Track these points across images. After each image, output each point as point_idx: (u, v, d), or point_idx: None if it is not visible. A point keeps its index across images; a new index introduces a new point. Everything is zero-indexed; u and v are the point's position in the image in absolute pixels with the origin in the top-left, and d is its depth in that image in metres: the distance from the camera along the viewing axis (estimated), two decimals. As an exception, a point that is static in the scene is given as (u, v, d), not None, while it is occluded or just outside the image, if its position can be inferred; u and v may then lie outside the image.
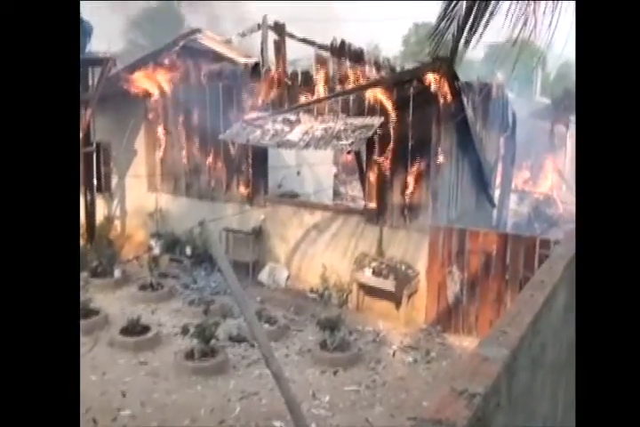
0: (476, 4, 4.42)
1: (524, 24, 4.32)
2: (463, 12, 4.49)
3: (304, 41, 11.86)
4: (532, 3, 4.28)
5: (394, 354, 8.56)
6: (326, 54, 10.51)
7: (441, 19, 4.58)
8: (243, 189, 11.52)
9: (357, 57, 10.22)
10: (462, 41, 4.61)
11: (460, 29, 4.52)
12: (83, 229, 12.19)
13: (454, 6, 4.48)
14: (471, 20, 4.46)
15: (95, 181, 12.60)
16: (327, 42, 10.55)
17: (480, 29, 4.49)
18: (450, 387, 2.91)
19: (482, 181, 11.98)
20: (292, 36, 11.68)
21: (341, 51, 10.23)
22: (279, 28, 11.48)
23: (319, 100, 10.33)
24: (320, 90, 10.40)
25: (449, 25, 4.56)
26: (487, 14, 4.44)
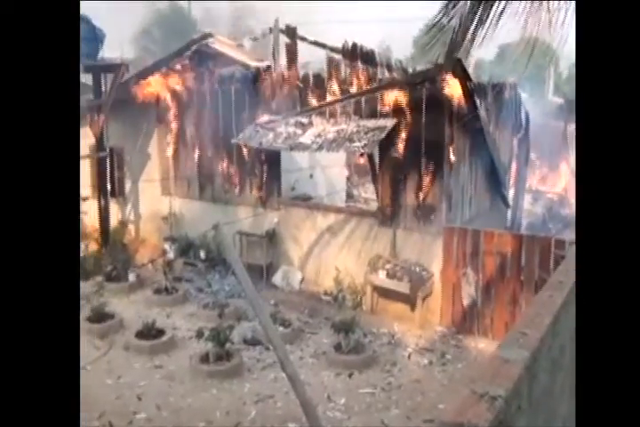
0: (480, 3, 4.39)
1: (537, 23, 4.29)
2: (466, 10, 4.45)
3: (316, 44, 11.86)
4: (544, 2, 4.24)
5: (409, 356, 8.52)
6: (338, 57, 10.51)
7: (441, 15, 4.55)
8: (256, 193, 11.53)
9: (369, 59, 10.20)
10: (467, 38, 4.57)
11: (464, 27, 4.48)
12: (97, 234, 12.28)
13: (455, 4, 4.45)
14: (476, 17, 4.42)
15: (109, 186, 12.67)
16: (338, 44, 10.54)
17: (485, 27, 4.45)
18: (470, 390, 2.89)
19: (496, 182, 11.91)
20: (303, 38, 11.70)
21: (353, 53, 10.22)
22: (290, 32, 11.51)
23: (331, 103, 10.32)
24: (332, 92, 10.39)
25: (448, 21, 4.53)
26: (493, 11, 4.40)
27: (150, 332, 8.71)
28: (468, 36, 4.54)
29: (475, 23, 4.44)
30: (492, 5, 4.39)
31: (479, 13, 4.40)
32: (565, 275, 4.98)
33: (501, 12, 4.41)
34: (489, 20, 4.41)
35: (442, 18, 4.57)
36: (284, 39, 11.64)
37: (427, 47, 4.91)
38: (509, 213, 13.01)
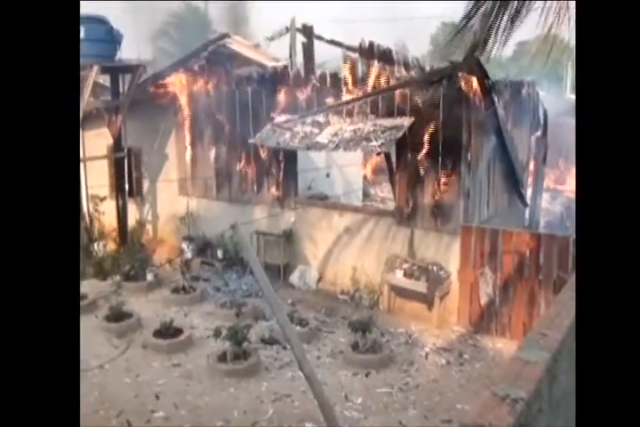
0: (503, 4, 4.36)
1: (556, 20, 4.25)
2: (490, 11, 4.43)
3: (332, 42, 11.86)
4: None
5: (426, 356, 8.49)
6: (354, 55, 10.48)
7: (467, 17, 4.52)
8: (273, 192, 11.56)
9: (386, 57, 10.16)
10: (491, 39, 4.54)
11: (488, 28, 4.46)
12: (115, 234, 12.38)
13: (479, 5, 4.43)
14: (501, 17, 4.39)
15: (127, 186, 12.76)
16: (355, 43, 10.52)
17: (509, 27, 4.43)
18: (491, 392, 2.87)
19: (513, 181, 11.82)
20: (320, 37, 11.69)
21: (370, 51, 10.19)
22: (307, 31, 11.52)
23: (348, 102, 10.30)
24: (349, 91, 10.37)
25: (474, 23, 4.51)
26: (515, 12, 4.37)
27: (168, 331, 8.75)
28: (491, 36, 4.51)
29: (497, 23, 4.41)
30: (512, 5, 4.37)
31: (501, 13, 4.37)
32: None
33: (521, 11, 4.38)
34: (510, 20, 4.38)
35: (467, 21, 4.54)
36: (300, 38, 11.66)
37: (450, 49, 4.90)
38: (527, 211, 12.91)
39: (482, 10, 4.45)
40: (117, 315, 9.23)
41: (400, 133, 9.55)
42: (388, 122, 9.88)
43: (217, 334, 8.09)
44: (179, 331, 8.84)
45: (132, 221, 12.87)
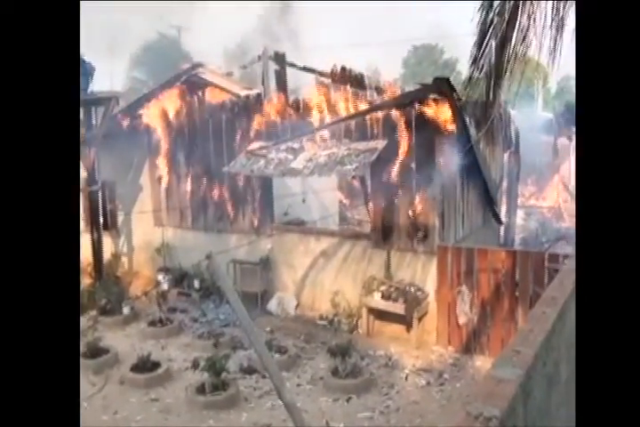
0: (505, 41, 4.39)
1: (524, 40, 4.34)
2: (493, 54, 4.46)
3: (305, 69, 11.97)
4: (538, 21, 4.29)
5: (406, 378, 8.43)
6: (327, 81, 10.57)
7: (474, 63, 4.54)
8: (249, 220, 11.54)
9: (358, 82, 10.26)
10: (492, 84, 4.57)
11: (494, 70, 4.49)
12: (90, 268, 12.23)
13: (485, 47, 4.45)
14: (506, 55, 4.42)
15: (101, 219, 12.67)
16: (328, 68, 10.62)
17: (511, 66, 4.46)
18: (465, 411, 2.85)
19: (487, 199, 11.93)
20: (292, 64, 11.82)
21: (342, 77, 10.28)
22: (279, 58, 11.65)
23: (321, 128, 10.37)
24: (322, 117, 10.44)
25: (482, 68, 4.53)
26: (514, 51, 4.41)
27: (146, 365, 8.61)
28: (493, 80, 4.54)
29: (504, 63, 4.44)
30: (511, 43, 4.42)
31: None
32: (558, 290, 4.94)
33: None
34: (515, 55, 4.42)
35: (473, 72, 4.58)
36: (273, 66, 11.79)
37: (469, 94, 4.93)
38: (502, 229, 13.01)
39: (487, 51, 4.49)
40: (94, 351, 9.06)
41: (374, 156, 9.62)
42: (361, 145, 9.97)
43: (195, 365, 7.98)
44: (156, 365, 8.70)
45: (107, 254, 12.75)
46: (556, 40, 4.21)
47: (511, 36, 4.31)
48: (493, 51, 4.39)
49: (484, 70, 4.49)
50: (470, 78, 4.57)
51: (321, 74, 11.02)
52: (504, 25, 4.27)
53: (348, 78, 10.28)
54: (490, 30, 4.32)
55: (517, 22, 4.27)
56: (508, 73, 4.46)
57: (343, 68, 10.31)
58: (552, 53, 4.22)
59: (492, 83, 4.52)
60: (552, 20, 4.21)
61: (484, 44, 4.39)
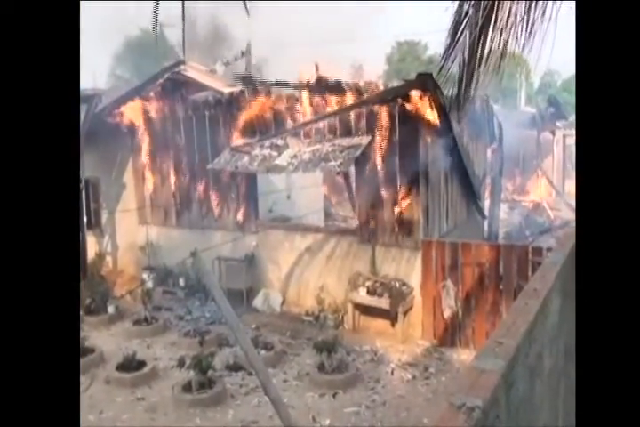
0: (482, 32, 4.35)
1: (502, 33, 4.32)
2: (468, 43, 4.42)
3: (278, 84, 11.27)
4: (519, 16, 4.27)
5: (392, 372, 8.46)
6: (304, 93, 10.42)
7: (447, 52, 4.51)
8: (233, 217, 11.52)
9: (337, 89, 10.10)
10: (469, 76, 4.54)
11: (467, 62, 4.46)
12: (75, 267, 12.14)
13: (458, 37, 4.42)
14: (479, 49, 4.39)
15: (85, 218, 12.58)
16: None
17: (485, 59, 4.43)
18: (448, 402, 2.87)
19: (471, 194, 11.99)
20: (263, 82, 11.40)
21: (319, 87, 10.14)
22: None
23: (305, 124, 10.36)
24: (306, 113, 10.43)
25: (454, 58, 4.50)
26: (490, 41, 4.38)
27: (131, 364, 8.56)
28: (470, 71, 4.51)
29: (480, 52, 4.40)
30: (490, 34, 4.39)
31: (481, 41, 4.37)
32: (540, 282, 4.98)
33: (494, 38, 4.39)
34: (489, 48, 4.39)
35: (449, 53, 4.54)
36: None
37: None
38: (486, 223, 13.09)
39: (461, 39, 4.46)
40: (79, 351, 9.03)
41: (358, 152, 9.64)
42: (345, 141, 9.97)
43: (181, 363, 7.96)
44: (142, 363, 8.66)
45: (91, 253, 12.66)
46: (534, 34, 4.20)
47: (487, 28, 4.29)
48: (467, 41, 4.38)
49: (456, 61, 4.48)
50: (441, 68, 4.56)
51: (296, 87, 10.78)
52: (480, 16, 4.26)
53: (325, 88, 10.15)
54: (464, 21, 4.31)
55: (495, 14, 4.25)
56: (482, 64, 4.45)
57: (319, 79, 10.19)
58: (533, 47, 4.22)
59: (465, 74, 4.50)
60: (532, 13, 4.20)
61: (458, 34, 4.37)
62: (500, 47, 4.32)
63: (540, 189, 17.49)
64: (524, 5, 4.20)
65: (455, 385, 4.41)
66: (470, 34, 4.31)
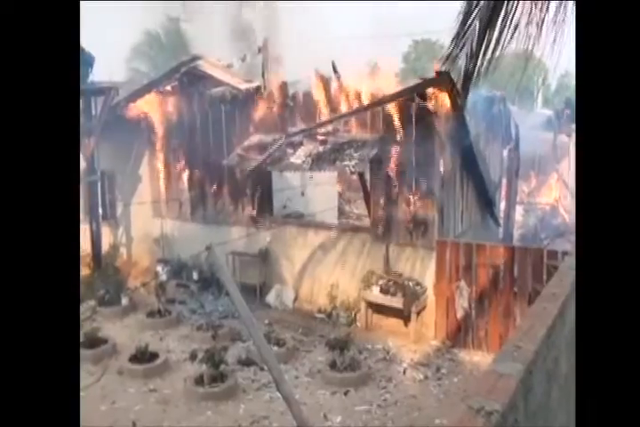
0: (489, 23, 4.36)
1: (527, 37, 4.32)
2: (477, 32, 4.43)
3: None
4: (534, 15, 4.26)
5: (404, 372, 8.46)
6: (326, 75, 10.49)
7: (455, 40, 4.52)
8: (248, 212, 11.53)
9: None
10: (477, 64, 4.55)
11: (475, 52, 4.47)
12: (89, 258, 12.22)
13: (468, 26, 4.43)
14: (485, 40, 4.40)
15: (100, 210, 12.65)
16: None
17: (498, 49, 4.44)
18: (467, 405, 2.87)
19: (486, 196, 11.93)
20: None
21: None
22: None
23: (322, 124, 10.32)
24: (322, 111, 10.41)
25: (462, 46, 4.51)
26: (499, 32, 4.38)
27: (144, 355, 8.63)
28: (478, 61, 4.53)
29: (483, 46, 4.42)
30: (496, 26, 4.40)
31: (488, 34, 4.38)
32: (558, 286, 4.97)
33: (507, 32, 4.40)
34: (496, 41, 4.40)
35: (456, 45, 4.56)
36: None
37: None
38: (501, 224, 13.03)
39: (469, 32, 4.47)
40: (92, 341, 9.07)
41: (373, 152, 9.61)
42: (361, 140, 9.94)
43: (193, 357, 8.00)
44: (154, 355, 8.72)
45: (105, 244, 12.73)
46: (556, 34, 4.19)
47: (496, 21, 4.31)
48: (477, 31, 4.39)
49: (464, 49, 4.49)
50: (449, 55, 4.58)
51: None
52: (489, 9, 4.27)
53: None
54: (475, 11, 4.32)
55: (504, 9, 4.26)
56: (489, 56, 4.45)
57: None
58: (551, 48, 4.21)
59: (471, 62, 4.52)
60: (541, 12, 4.19)
61: (468, 23, 4.39)
62: (507, 41, 4.34)
63: (556, 191, 17.39)
64: (543, 6, 4.20)
65: (472, 388, 4.40)
66: (480, 24, 4.33)
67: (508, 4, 4.24)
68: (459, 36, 4.46)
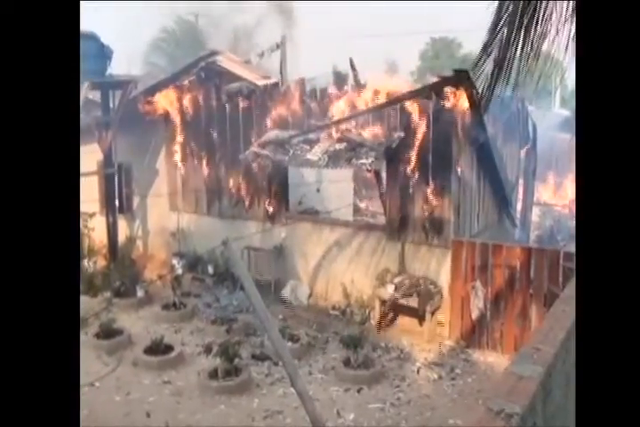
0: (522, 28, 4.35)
1: (544, 36, 4.30)
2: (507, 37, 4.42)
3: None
4: (552, 15, 4.25)
5: (418, 371, 8.46)
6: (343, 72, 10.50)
7: (485, 48, 4.51)
8: (264, 208, 11.56)
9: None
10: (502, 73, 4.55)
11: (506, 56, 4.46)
12: (105, 250, 12.31)
13: (496, 34, 4.42)
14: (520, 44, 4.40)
15: (117, 202, 12.72)
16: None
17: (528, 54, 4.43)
18: (486, 407, 2.87)
19: (503, 196, 11.88)
20: None
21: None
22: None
23: (338, 120, 10.30)
24: (339, 107, 10.39)
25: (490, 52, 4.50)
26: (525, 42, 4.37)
27: (159, 348, 8.70)
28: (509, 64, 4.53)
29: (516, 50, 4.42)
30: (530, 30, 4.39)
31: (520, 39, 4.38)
32: (578, 289, 4.94)
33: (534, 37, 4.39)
34: (530, 45, 4.39)
35: (485, 50, 4.56)
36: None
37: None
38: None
39: (499, 36, 4.46)
40: (108, 332, 9.16)
41: (390, 149, 9.58)
42: (378, 138, 9.92)
43: (208, 350, 8.05)
44: (169, 348, 8.78)
45: (122, 237, 12.81)
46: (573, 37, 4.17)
47: (525, 26, 4.29)
48: (504, 37, 4.37)
49: (492, 56, 4.48)
50: (477, 63, 4.57)
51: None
52: (519, 14, 4.25)
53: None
54: (504, 17, 4.30)
55: (532, 13, 4.24)
56: (517, 63, 4.44)
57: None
58: (569, 49, 4.19)
59: (497, 69, 4.51)
60: (571, 15, 4.16)
61: (497, 30, 4.37)
62: (538, 47, 4.32)
63: (573, 193, 17.26)
64: (564, 6, 4.18)
65: (491, 389, 4.38)
66: (508, 31, 4.32)
67: (537, 8, 4.22)
68: (487, 45, 4.45)
